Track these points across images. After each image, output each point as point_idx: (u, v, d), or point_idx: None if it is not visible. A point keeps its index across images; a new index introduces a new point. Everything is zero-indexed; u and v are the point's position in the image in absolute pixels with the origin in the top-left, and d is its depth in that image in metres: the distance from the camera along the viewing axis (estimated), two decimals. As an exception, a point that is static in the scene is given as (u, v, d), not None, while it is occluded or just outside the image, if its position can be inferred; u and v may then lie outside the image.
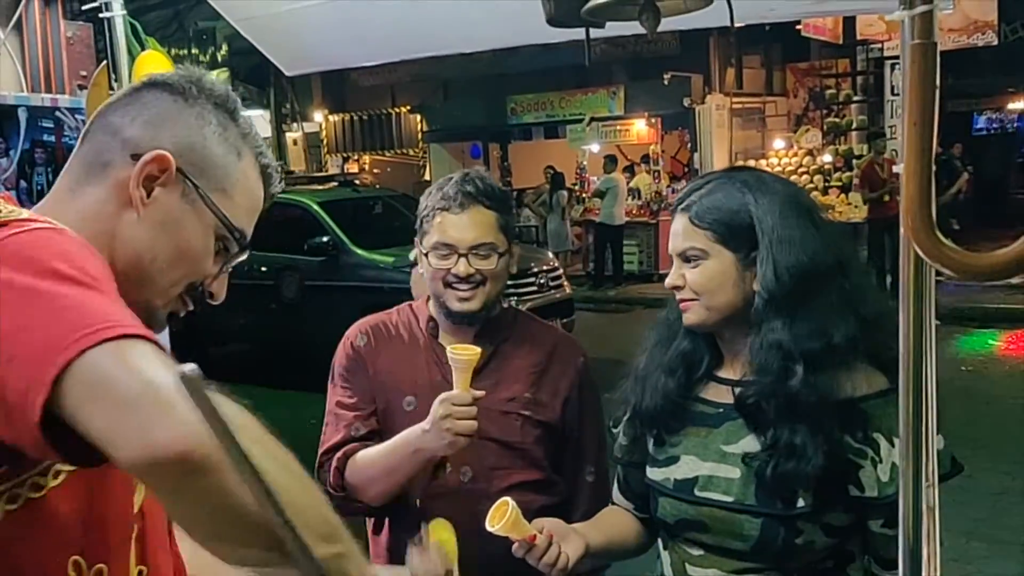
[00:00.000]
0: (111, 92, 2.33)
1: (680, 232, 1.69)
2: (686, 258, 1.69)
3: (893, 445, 1.56)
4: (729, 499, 1.65)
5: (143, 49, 2.37)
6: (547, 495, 2.06)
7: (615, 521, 1.94)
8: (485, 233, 2.04)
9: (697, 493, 1.68)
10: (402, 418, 2.05)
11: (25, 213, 1.01)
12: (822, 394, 1.58)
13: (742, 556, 1.65)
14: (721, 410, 1.72)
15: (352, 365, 2.17)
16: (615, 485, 1.97)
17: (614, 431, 1.93)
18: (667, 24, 1.69)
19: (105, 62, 2.35)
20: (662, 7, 1.62)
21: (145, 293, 1.11)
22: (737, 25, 1.90)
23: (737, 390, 1.69)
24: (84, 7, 2.43)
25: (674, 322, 1.78)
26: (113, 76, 2.33)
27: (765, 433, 1.62)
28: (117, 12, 2.32)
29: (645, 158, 16.24)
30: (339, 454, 2.11)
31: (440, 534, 1.76)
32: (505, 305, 2.22)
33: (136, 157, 1.11)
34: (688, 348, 1.76)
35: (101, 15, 2.30)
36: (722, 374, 1.75)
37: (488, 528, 1.70)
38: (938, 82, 1.21)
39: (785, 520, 1.61)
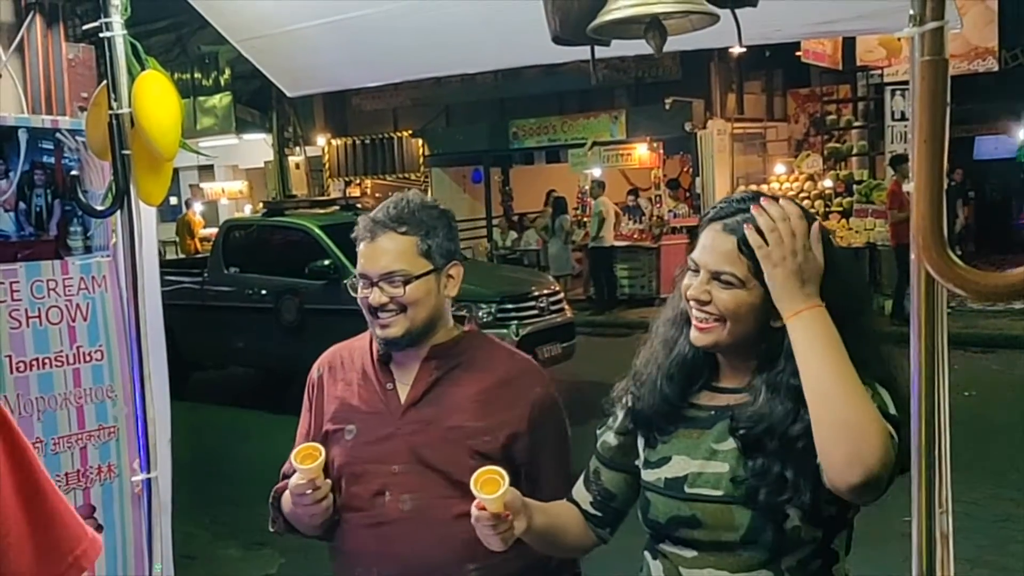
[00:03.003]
0: (111, 112, 2.32)
1: (723, 253, 1.66)
2: (719, 278, 1.66)
3: None
4: (719, 492, 1.67)
5: (143, 69, 2.35)
6: None
7: (561, 512, 1.91)
8: (394, 260, 1.98)
9: (687, 490, 1.71)
10: (342, 446, 2.04)
11: None
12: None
13: (734, 548, 1.66)
14: (713, 412, 1.74)
15: (307, 397, 2.20)
16: (582, 476, 1.94)
17: (598, 432, 1.91)
18: (672, 44, 1.68)
19: (105, 82, 2.33)
20: (668, 25, 1.61)
21: None
22: (739, 49, 1.89)
23: (734, 409, 1.69)
24: (85, 27, 2.42)
25: (682, 324, 1.78)
26: (113, 96, 2.31)
27: (755, 459, 1.64)
28: (117, 32, 2.30)
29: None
30: (273, 491, 2.14)
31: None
32: (467, 328, 2.15)
33: None
34: (691, 356, 1.77)
35: (101, 34, 2.29)
36: (719, 383, 1.78)
37: (475, 492, 1.64)
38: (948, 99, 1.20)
39: (774, 507, 1.63)
